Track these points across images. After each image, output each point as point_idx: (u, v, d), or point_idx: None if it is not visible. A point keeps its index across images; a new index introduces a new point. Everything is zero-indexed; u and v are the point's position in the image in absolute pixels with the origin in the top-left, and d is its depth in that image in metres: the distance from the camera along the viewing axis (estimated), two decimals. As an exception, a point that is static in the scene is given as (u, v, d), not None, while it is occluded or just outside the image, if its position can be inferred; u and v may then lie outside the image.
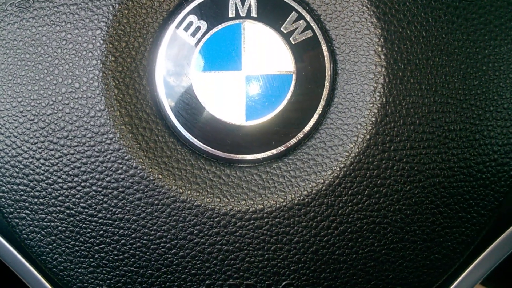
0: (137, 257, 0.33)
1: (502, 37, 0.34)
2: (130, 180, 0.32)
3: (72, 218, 0.33)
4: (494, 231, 0.36)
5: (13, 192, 0.33)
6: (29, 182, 0.33)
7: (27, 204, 0.33)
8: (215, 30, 0.33)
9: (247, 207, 0.32)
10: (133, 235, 0.33)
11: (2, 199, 0.34)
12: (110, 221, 0.33)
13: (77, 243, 0.33)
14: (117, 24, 0.32)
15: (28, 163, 0.33)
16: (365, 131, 0.32)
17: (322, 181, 0.32)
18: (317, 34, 0.33)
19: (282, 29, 0.33)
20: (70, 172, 0.33)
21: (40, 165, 0.33)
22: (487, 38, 0.33)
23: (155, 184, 0.32)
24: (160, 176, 0.32)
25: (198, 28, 0.33)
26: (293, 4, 0.33)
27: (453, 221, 0.34)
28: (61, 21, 0.32)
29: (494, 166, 0.34)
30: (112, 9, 0.32)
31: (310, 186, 0.32)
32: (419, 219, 0.33)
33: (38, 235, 0.34)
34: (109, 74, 0.32)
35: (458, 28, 0.33)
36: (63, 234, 0.33)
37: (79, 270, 0.34)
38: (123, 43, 0.32)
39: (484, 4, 0.33)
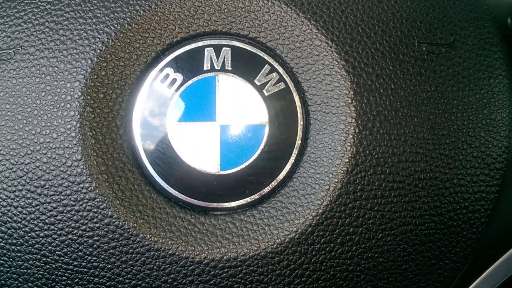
0: (112, 305, 0.33)
1: (470, 87, 0.35)
2: (106, 229, 0.32)
3: (48, 266, 0.33)
4: (468, 276, 0.37)
5: (-9, 239, 0.34)
6: (6, 230, 0.34)
7: (4, 251, 0.34)
8: (190, 82, 0.34)
9: (221, 255, 0.33)
10: (107, 284, 0.33)
11: (-20, 246, 0.34)
12: (85, 269, 0.33)
13: (53, 290, 0.34)
14: (95, 77, 0.33)
15: (6, 211, 0.33)
16: (336, 180, 0.33)
17: (295, 229, 0.33)
18: (290, 86, 0.34)
19: (255, 81, 0.34)
20: (46, 221, 0.33)
21: (18, 213, 0.33)
22: (455, 89, 0.34)
23: (130, 232, 0.32)
24: (135, 225, 0.33)
25: (174, 80, 0.34)
26: (266, 57, 0.34)
27: (426, 268, 0.34)
28: (41, 73, 0.33)
29: (466, 214, 0.34)
30: (90, 62, 0.33)
31: (283, 234, 0.33)
32: (392, 266, 0.34)
33: (16, 282, 0.34)
34: (86, 125, 0.33)
35: (426, 80, 0.34)
36: (40, 281, 0.34)
37: (55, 318, 0.34)
38: (101, 95, 0.33)
39: (452, 56, 0.35)
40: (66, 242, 0.33)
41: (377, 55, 0.33)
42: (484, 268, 0.37)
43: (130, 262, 0.33)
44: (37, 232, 0.33)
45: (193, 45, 0.34)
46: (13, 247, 0.34)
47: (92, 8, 0.33)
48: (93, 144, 0.33)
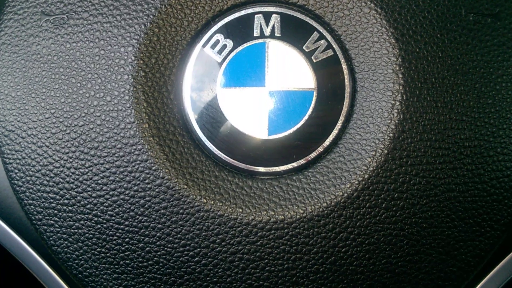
0: (161, 264, 0.34)
1: (515, 58, 0.35)
2: (157, 190, 0.33)
3: (99, 226, 0.34)
4: (507, 245, 0.37)
5: (43, 200, 0.35)
6: (59, 190, 0.35)
7: (55, 211, 0.35)
8: (240, 48, 0.34)
9: (268, 217, 0.34)
10: (157, 243, 0.34)
11: (32, 206, 0.35)
12: (136, 229, 0.34)
13: (103, 250, 0.35)
14: (148, 42, 0.34)
15: (58, 172, 0.34)
16: (383, 146, 0.33)
17: (341, 193, 0.33)
18: (338, 53, 0.34)
19: (304, 48, 0.34)
20: (99, 181, 0.34)
21: (71, 174, 0.34)
22: (501, 59, 0.35)
23: (180, 194, 0.33)
24: (185, 186, 0.33)
25: (224, 46, 0.34)
26: (315, 24, 0.34)
27: (467, 234, 0.35)
28: (95, 37, 0.34)
29: (508, 182, 0.35)
30: (144, 27, 0.34)
31: (330, 198, 0.34)
32: (435, 232, 0.34)
33: (65, 242, 0.35)
34: (139, 89, 0.34)
35: (473, 49, 0.34)
36: (90, 241, 0.35)
37: (104, 277, 0.35)
38: (153, 60, 0.34)
39: (498, 26, 0.35)
40: (118, 202, 0.34)
41: (425, 23, 0.34)
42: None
43: (180, 223, 0.34)
44: (89, 193, 0.34)
45: (243, 12, 0.34)
46: (65, 207, 0.35)
47: (144, -26, 0.34)
48: (145, 107, 0.34)
